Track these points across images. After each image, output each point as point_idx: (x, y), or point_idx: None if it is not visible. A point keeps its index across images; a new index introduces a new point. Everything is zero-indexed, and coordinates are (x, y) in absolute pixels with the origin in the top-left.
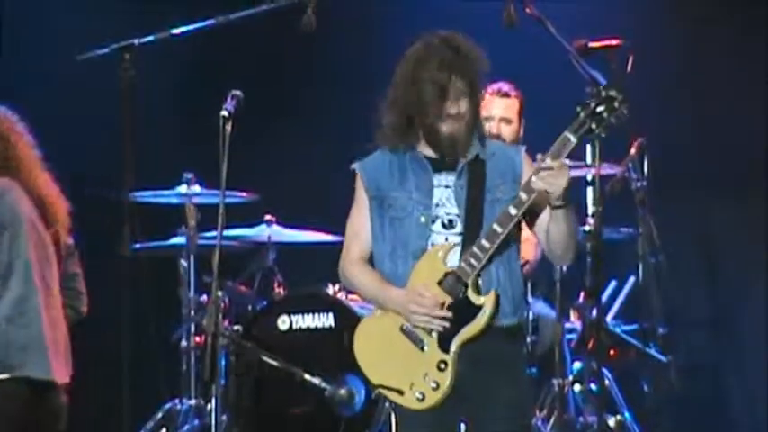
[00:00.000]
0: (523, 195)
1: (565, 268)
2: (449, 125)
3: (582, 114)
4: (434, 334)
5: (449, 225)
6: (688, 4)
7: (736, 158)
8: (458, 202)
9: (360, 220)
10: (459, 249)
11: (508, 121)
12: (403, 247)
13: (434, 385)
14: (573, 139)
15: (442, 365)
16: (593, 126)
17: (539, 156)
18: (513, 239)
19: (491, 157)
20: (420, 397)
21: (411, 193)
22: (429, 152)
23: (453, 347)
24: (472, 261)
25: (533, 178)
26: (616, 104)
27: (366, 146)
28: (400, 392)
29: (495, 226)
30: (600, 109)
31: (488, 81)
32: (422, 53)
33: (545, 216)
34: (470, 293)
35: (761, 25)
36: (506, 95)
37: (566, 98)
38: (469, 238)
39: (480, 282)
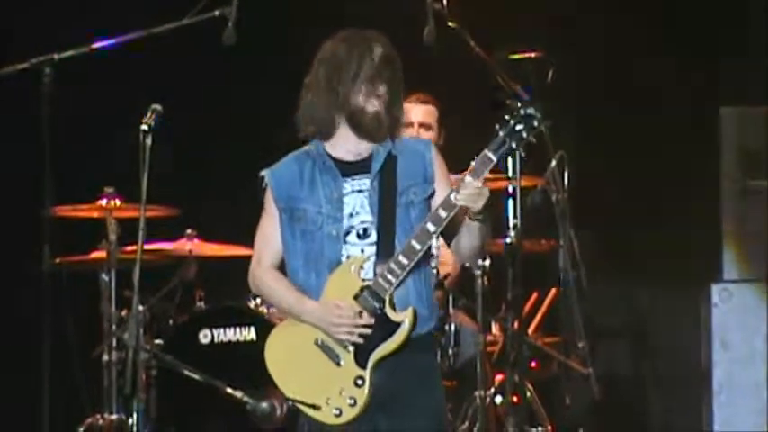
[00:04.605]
0: (443, 213)
1: (486, 281)
2: (374, 105)
3: (501, 133)
4: (351, 349)
5: (363, 234)
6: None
7: (653, 171)
8: (371, 208)
9: (270, 228)
10: (374, 260)
11: (428, 127)
12: (316, 260)
13: (351, 401)
14: (493, 158)
15: (359, 381)
16: (513, 145)
17: (459, 177)
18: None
19: (401, 154)
20: (337, 413)
21: (321, 206)
22: (341, 154)
23: (370, 363)
24: (389, 277)
25: (454, 195)
26: (535, 123)
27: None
28: (316, 407)
29: (414, 243)
30: (519, 127)
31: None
32: (347, 38)
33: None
34: (388, 309)
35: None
36: (425, 102)
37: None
38: (383, 248)
39: (396, 294)
